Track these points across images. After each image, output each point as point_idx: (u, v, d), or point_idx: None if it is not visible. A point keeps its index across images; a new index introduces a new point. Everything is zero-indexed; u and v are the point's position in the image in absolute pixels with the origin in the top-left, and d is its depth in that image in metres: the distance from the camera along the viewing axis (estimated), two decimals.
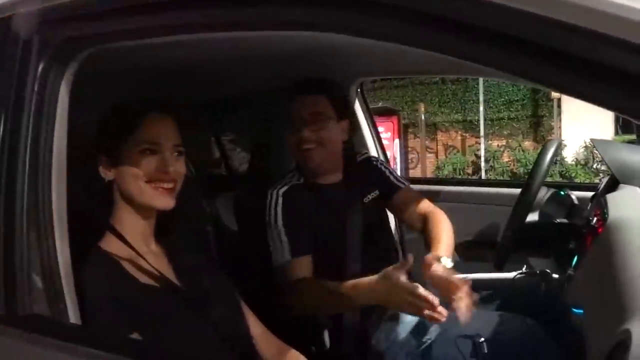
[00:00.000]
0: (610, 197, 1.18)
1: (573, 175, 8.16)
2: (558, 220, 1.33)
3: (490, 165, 9.29)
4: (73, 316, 0.81)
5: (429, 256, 1.24)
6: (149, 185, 1.08)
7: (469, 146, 9.90)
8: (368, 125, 2.18)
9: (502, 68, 0.59)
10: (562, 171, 8.37)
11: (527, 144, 9.41)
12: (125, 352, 0.72)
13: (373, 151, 2.20)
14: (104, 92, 1.08)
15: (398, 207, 1.63)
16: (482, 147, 9.33)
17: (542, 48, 0.51)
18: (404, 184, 1.65)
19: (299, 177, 1.54)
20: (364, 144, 2.15)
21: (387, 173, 1.66)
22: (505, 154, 9.40)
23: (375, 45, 1.44)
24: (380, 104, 9.38)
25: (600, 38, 0.47)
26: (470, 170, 9.61)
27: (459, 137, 10.08)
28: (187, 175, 1.17)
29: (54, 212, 0.84)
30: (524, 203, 1.32)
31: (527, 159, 8.69)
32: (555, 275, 1.19)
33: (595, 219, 1.13)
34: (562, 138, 8.67)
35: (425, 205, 1.58)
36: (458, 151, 10.01)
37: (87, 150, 1.10)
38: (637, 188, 1.22)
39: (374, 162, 1.69)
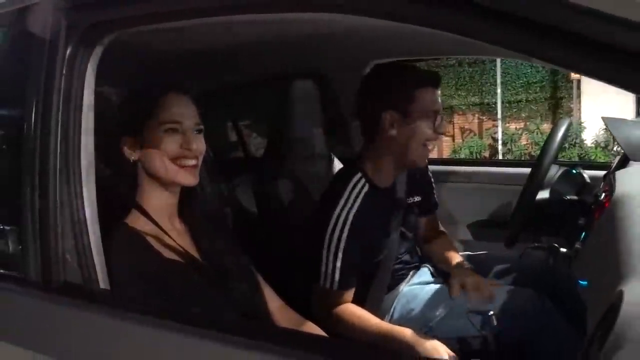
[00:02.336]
0: (619, 173, 1.20)
1: (593, 157, 8.05)
2: (568, 198, 1.35)
3: (508, 149, 9.20)
4: (102, 283, 0.87)
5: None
6: (174, 163, 1.12)
7: (486, 129, 9.80)
8: None
9: (507, 46, 0.62)
10: (581, 154, 8.27)
11: (546, 126, 9.28)
12: (151, 314, 0.78)
13: None
14: (126, 75, 1.12)
15: (425, 227, 1.68)
16: (500, 130, 9.24)
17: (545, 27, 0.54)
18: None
19: (364, 182, 1.43)
20: None
21: (434, 191, 1.68)
22: (523, 137, 9.30)
23: (387, 26, 1.45)
24: None
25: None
26: (487, 154, 9.53)
27: (476, 120, 9.98)
28: (205, 158, 1.21)
29: (84, 189, 0.90)
30: (534, 181, 1.33)
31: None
32: (563, 250, 1.22)
33: (603, 194, 1.16)
34: (582, 120, 8.55)
35: (442, 234, 1.69)
36: (475, 134, 9.92)
37: (111, 132, 1.14)
38: None
39: (429, 173, 1.68)
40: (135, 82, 1.16)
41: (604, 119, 1.36)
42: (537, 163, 1.36)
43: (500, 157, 9.09)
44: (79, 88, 0.91)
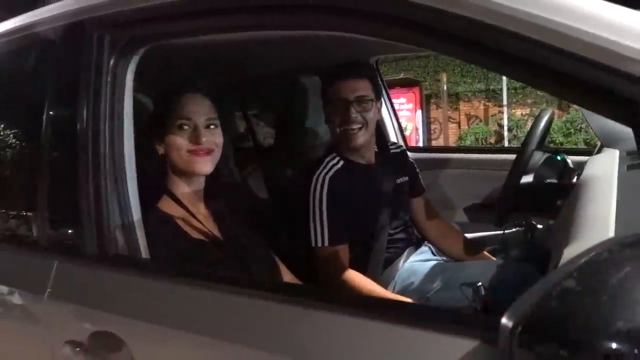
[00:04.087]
0: (591, 158, 1.35)
1: (599, 142, 8.09)
2: (549, 181, 1.50)
3: (514, 135, 9.28)
4: (144, 254, 1.05)
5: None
6: (189, 155, 1.28)
7: (492, 115, 9.87)
8: (385, 101, 2.35)
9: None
10: (587, 138, 8.33)
11: None
12: (184, 277, 0.96)
13: (389, 124, 2.39)
14: (157, 78, 1.29)
15: (417, 209, 1.87)
16: (505, 116, 9.31)
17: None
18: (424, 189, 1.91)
19: (339, 159, 1.66)
20: (381, 119, 2.33)
21: (419, 175, 1.90)
22: (529, 123, 9.34)
23: None
24: (402, 75, 9.43)
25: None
26: (493, 140, 9.61)
27: (482, 107, 10.05)
28: (226, 150, 1.36)
29: (127, 177, 1.07)
30: (518, 166, 1.48)
31: (551, 127, 8.64)
32: (539, 226, 1.38)
33: (575, 178, 1.31)
34: None
35: (438, 215, 1.89)
36: (481, 121, 10.00)
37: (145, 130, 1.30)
38: (617, 151, 1.38)
39: (410, 159, 1.91)
40: (163, 83, 1.32)
41: (581, 109, 1.50)
42: (521, 150, 1.51)
43: (506, 142, 9.17)
44: (121, 92, 1.08)
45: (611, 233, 0.77)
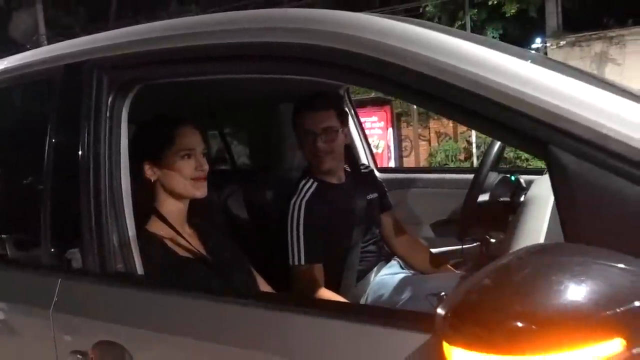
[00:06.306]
0: (536, 179, 1.53)
1: None
2: (502, 199, 1.66)
3: (482, 152, 9.59)
4: (139, 270, 1.17)
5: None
6: (192, 181, 1.42)
7: (461, 133, 10.18)
8: (355, 124, 2.51)
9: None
10: None
11: None
12: (175, 291, 1.09)
13: (359, 146, 2.54)
14: (149, 112, 1.41)
15: (386, 225, 2.01)
16: (474, 133, 9.62)
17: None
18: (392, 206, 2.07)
19: (313, 181, 1.80)
20: (352, 142, 2.48)
21: (387, 193, 2.06)
22: None
23: None
24: (373, 94, 9.70)
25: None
26: (462, 157, 9.90)
27: (451, 124, 10.35)
28: (208, 174, 1.49)
29: (124, 201, 1.19)
30: (475, 186, 1.65)
31: None
32: (492, 240, 1.54)
33: (523, 197, 1.48)
34: None
35: (405, 231, 2.04)
36: (450, 138, 10.30)
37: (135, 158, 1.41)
38: None
39: (379, 179, 2.09)
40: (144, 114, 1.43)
41: None
42: (477, 171, 1.68)
43: (475, 160, 9.48)
44: (118, 125, 1.21)
45: None
